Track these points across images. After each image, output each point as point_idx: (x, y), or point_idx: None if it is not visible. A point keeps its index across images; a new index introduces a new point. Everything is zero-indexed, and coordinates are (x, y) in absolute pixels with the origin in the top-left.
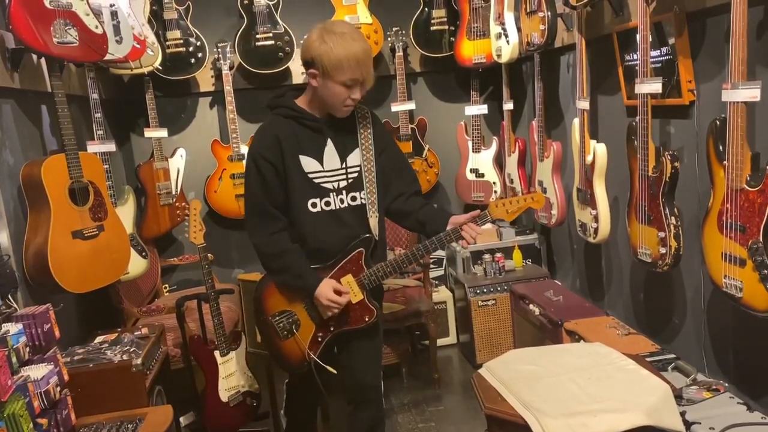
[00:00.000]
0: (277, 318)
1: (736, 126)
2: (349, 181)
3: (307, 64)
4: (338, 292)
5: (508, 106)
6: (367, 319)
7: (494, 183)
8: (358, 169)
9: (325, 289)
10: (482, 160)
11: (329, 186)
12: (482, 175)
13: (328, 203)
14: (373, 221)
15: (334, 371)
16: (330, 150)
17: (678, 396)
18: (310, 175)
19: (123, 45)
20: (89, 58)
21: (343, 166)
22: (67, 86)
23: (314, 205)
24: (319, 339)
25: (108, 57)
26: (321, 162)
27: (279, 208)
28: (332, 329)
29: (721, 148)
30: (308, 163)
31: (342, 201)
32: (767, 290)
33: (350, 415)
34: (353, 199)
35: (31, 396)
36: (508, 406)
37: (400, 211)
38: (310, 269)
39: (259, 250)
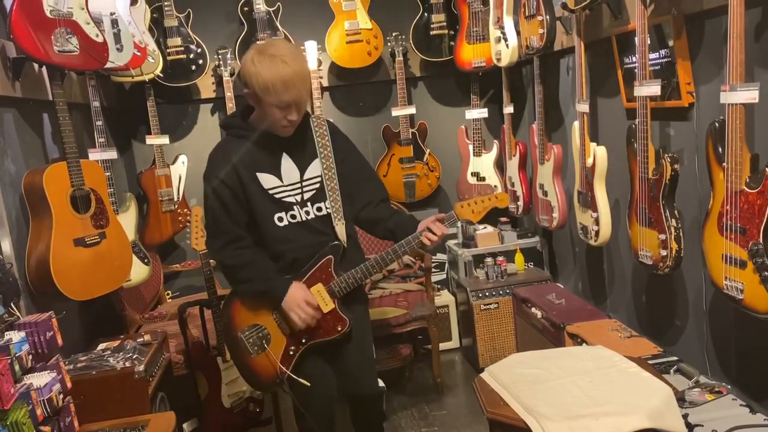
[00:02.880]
0: (247, 333)
1: (735, 128)
2: (312, 192)
3: (243, 84)
4: (308, 302)
5: (509, 109)
6: (339, 329)
7: (495, 186)
8: (319, 179)
9: (296, 291)
10: (483, 164)
11: (291, 200)
12: (483, 179)
13: (293, 216)
14: (340, 228)
15: (308, 383)
16: (287, 164)
17: (681, 398)
18: (271, 191)
19: (124, 53)
20: (90, 66)
21: (303, 178)
22: (69, 94)
23: (280, 219)
24: (291, 352)
25: (109, 65)
26: (279, 177)
27: (242, 228)
28: (304, 341)
29: (720, 149)
30: (267, 180)
31: (308, 213)
32: None
33: (351, 416)
34: (318, 209)
35: (34, 404)
36: (510, 410)
37: (369, 220)
38: (278, 277)
39: (224, 264)
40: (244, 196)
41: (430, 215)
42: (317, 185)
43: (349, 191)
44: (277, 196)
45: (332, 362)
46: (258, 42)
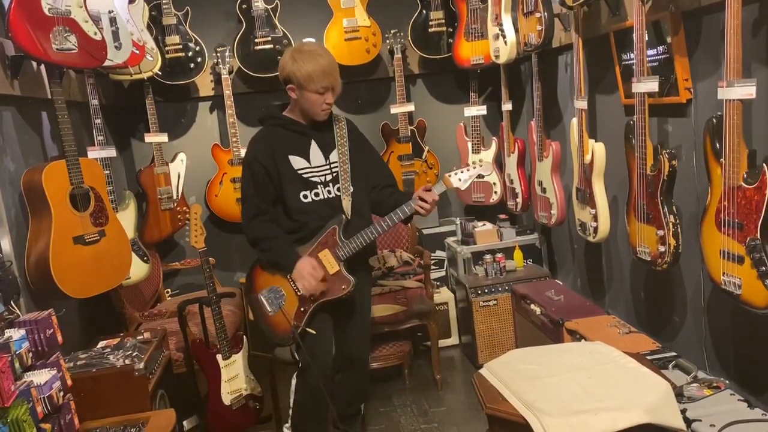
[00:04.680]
0: (266, 294)
1: (733, 124)
2: (333, 174)
3: (285, 81)
4: (312, 274)
5: (507, 106)
6: (344, 288)
7: (494, 184)
8: (337, 164)
9: (304, 264)
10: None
11: (317, 179)
12: (482, 176)
13: (317, 194)
14: (346, 203)
15: (315, 332)
16: (315, 149)
17: (679, 394)
18: (300, 171)
19: (122, 51)
20: (88, 64)
21: (327, 162)
22: (67, 92)
23: (305, 196)
24: (302, 310)
25: (107, 63)
26: (308, 159)
27: (269, 203)
28: (313, 300)
29: (717, 145)
30: (297, 162)
31: (329, 192)
32: (766, 287)
33: (337, 383)
34: (338, 189)
35: (34, 401)
36: (509, 405)
37: (375, 201)
38: (293, 250)
39: (252, 234)
40: (276, 174)
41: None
42: (337, 169)
43: (361, 177)
44: (305, 175)
45: (334, 326)
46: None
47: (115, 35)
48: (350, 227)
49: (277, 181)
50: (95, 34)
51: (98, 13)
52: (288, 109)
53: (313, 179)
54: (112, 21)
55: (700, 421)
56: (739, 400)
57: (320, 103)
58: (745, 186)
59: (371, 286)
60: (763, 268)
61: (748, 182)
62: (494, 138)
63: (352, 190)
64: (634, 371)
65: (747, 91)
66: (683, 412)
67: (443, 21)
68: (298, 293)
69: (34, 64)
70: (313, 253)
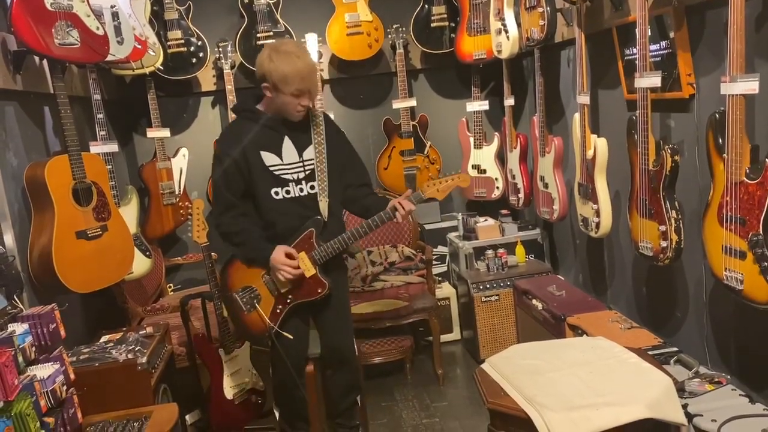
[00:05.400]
0: (241, 293)
1: (735, 119)
2: (307, 172)
3: (260, 79)
4: (289, 256)
5: (509, 101)
6: (319, 291)
7: (496, 179)
8: (312, 162)
9: (278, 254)
10: (484, 156)
11: (289, 177)
12: (484, 171)
13: (288, 192)
14: (323, 205)
15: (291, 336)
16: (288, 146)
17: (680, 389)
18: (271, 168)
19: (124, 46)
20: (91, 59)
21: (300, 159)
22: (70, 87)
23: (276, 193)
24: (278, 311)
25: (109, 58)
26: (280, 156)
27: (239, 197)
28: (289, 301)
29: (720, 141)
30: (269, 158)
31: (301, 190)
32: (767, 282)
33: (328, 380)
34: (312, 187)
35: (37, 395)
36: (510, 400)
37: (348, 199)
38: (266, 243)
39: (221, 229)
40: (246, 169)
41: (431, 208)
42: (312, 167)
43: (338, 175)
44: (276, 172)
45: (314, 323)
46: (268, 42)
47: (117, 30)
48: (326, 230)
49: (247, 176)
50: (97, 28)
51: (100, 8)
52: (263, 103)
53: (284, 176)
54: (114, 16)
55: (702, 416)
56: (740, 395)
57: (294, 106)
58: (747, 181)
59: (347, 281)
60: (765, 264)
61: (751, 178)
62: (496, 133)
63: (328, 190)
64: (635, 366)
65: (750, 86)
66: (684, 407)
67: (445, 16)
68: (274, 293)
69: (37, 59)
70: None
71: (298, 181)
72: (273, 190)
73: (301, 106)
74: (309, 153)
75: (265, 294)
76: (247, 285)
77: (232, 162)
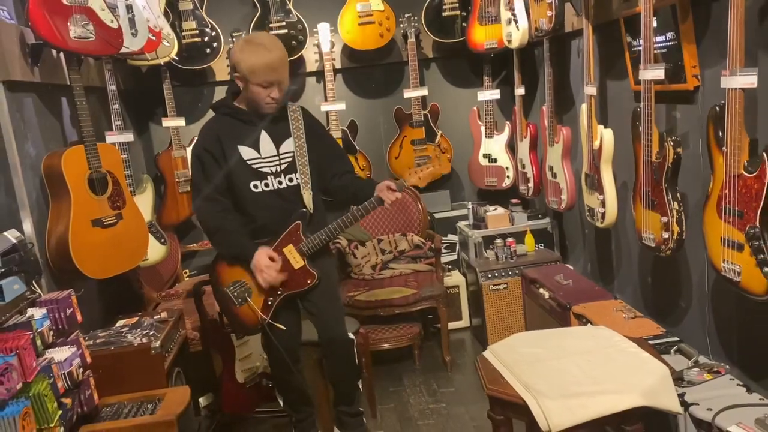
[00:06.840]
0: (231, 288)
1: (735, 112)
2: (285, 165)
3: (232, 69)
4: (272, 259)
5: (520, 91)
6: (309, 282)
7: (507, 168)
8: (291, 154)
9: (261, 257)
10: (495, 146)
11: (267, 170)
12: (495, 160)
13: (267, 185)
14: (307, 197)
15: (284, 328)
16: (265, 139)
17: (679, 378)
18: (249, 162)
19: (138, 38)
20: (105, 51)
21: (277, 153)
22: (86, 78)
23: (255, 186)
24: (270, 303)
25: (123, 50)
26: (258, 150)
27: (220, 192)
28: (279, 293)
29: (720, 134)
30: (246, 152)
31: (280, 183)
32: (764, 274)
33: (327, 367)
34: (290, 180)
35: (55, 377)
36: (509, 387)
37: (335, 188)
38: (249, 241)
39: (204, 226)
40: (225, 163)
41: (442, 197)
42: (290, 159)
43: (319, 166)
44: (254, 166)
45: (306, 312)
46: (244, 35)
47: (132, 22)
48: (311, 221)
49: (226, 170)
50: (111, 22)
51: (115, 1)
52: (239, 98)
53: (262, 170)
54: (129, 8)
55: (698, 404)
56: (738, 384)
57: (264, 97)
58: (745, 174)
59: (335, 268)
60: (762, 256)
61: (749, 171)
62: (507, 122)
63: (311, 182)
64: (634, 356)
65: (748, 80)
66: (682, 395)
67: (457, 5)
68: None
69: (54, 51)
70: (277, 248)
71: (276, 174)
72: (252, 183)
73: (271, 98)
74: (287, 146)
75: (255, 287)
76: (237, 279)
77: (211, 157)
